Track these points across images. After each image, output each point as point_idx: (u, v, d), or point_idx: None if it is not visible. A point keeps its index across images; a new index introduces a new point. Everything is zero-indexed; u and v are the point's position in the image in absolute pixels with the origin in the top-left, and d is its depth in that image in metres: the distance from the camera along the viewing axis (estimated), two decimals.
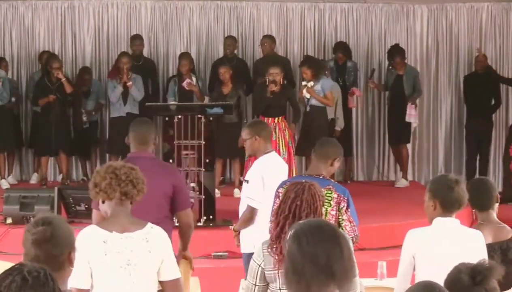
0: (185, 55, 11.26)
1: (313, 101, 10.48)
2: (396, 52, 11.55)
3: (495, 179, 12.05)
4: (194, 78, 10.95)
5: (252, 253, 4.24)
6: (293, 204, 4.04)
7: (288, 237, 2.86)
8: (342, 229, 5.21)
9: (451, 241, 4.56)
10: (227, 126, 10.32)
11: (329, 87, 10.65)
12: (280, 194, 5.08)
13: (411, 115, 11.39)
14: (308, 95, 10.48)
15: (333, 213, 5.27)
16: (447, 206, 4.60)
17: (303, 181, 4.18)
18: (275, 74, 9.65)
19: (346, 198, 5.30)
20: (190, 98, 10.79)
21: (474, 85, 11.48)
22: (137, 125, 5.74)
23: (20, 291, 2.57)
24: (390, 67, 11.66)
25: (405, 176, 11.79)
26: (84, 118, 11.37)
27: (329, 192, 5.24)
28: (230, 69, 10.77)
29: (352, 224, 5.31)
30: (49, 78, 11.00)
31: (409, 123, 11.53)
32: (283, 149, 9.42)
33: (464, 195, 4.62)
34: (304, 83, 10.51)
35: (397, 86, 11.46)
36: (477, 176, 11.52)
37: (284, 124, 9.63)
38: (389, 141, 11.97)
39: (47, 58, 11.23)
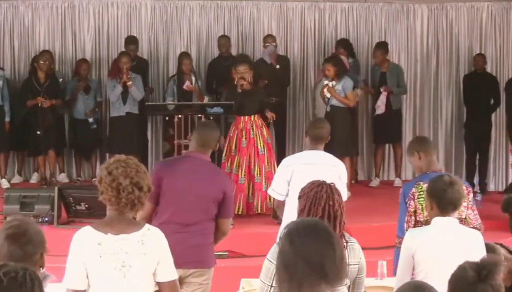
0: (186, 55, 11.27)
1: (334, 102, 10.35)
2: (377, 47, 11.51)
3: (496, 179, 12.05)
4: (193, 78, 10.94)
5: None
6: (326, 205, 4.08)
7: (281, 235, 2.87)
8: (466, 218, 5.51)
9: (449, 240, 4.57)
10: None
11: (350, 87, 10.46)
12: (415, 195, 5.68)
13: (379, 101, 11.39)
14: (328, 95, 10.40)
15: (464, 204, 5.40)
16: (442, 207, 4.66)
17: (322, 181, 4.19)
18: (243, 71, 9.63)
19: (470, 189, 5.68)
20: (190, 98, 10.78)
21: (473, 85, 11.44)
22: (202, 127, 5.88)
23: None
24: (374, 64, 11.61)
25: (399, 175, 11.84)
26: (90, 120, 11.36)
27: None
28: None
29: (474, 212, 5.57)
30: (37, 78, 10.97)
31: (400, 122, 11.60)
32: (261, 146, 9.38)
33: (460, 196, 4.67)
34: (326, 82, 10.42)
35: (382, 84, 11.40)
36: (476, 175, 11.53)
37: (261, 122, 9.56)
38: (376, 140, 11.83)
39: (35, 57, 11.20)
